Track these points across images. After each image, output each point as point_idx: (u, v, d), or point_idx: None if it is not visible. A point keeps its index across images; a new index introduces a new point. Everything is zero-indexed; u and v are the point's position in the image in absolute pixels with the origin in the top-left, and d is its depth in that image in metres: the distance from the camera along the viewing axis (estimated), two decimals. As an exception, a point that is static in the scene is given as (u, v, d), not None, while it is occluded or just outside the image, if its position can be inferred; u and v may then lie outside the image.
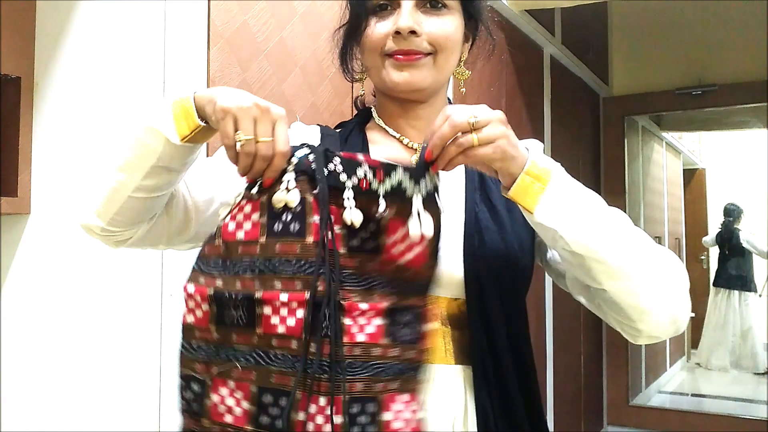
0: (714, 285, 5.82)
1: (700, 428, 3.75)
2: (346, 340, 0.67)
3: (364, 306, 0.68)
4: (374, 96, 0.94)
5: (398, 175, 0.69)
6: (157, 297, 1.13)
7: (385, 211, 0.68)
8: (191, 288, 0.70)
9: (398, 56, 0.83)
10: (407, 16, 0.81)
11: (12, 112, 1.25)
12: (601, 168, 3.93)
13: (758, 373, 5.40)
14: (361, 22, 0.85)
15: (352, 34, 0.88)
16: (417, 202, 0.69)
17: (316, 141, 0.89)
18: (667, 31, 3.91)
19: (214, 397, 0.70)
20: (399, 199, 0.69)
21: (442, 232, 0.71)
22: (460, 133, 0.67)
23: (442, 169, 0.69)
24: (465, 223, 0.82)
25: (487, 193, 0.84)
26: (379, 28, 0.83)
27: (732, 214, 5.76)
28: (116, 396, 1.16)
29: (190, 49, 1.20)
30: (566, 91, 3.44)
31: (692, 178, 6.51)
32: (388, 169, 0.69)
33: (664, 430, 3.84)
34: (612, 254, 0.71)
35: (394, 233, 0.69)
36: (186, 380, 0.73)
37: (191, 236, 0.83)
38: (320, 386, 0.66)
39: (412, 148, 0.88)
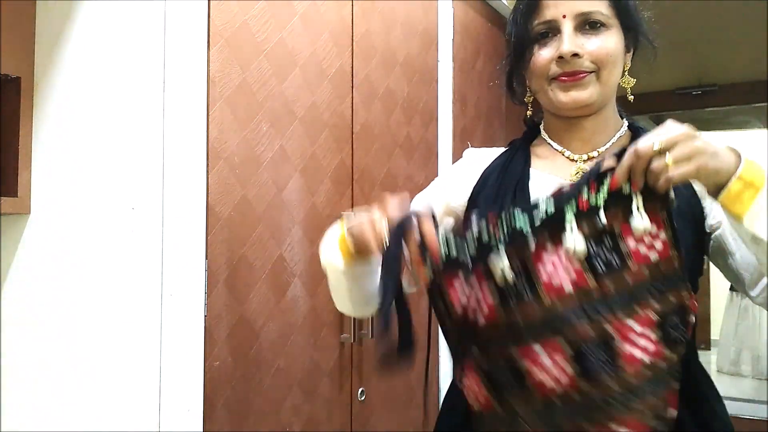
0: (732, 289, 5.71)
1: (700, 428, 3.75)
2: (628, 368, 0.70)
3: (636, 327, 0.71)
4: (541, 112, 1.00)
5: (608, 180, 0.71)
6: (157, 297, 1.13)
7: (612, 219, 0.71)
8: (465, 381, 0.77)
9: (563, 78, 0.89)
10: (568, 40, 0.87)
11: (12, 112, 1.25)
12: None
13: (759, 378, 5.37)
14: (526, 50, 0.92)
15: (518, 62, 0.94)
16: (636, 201, 0.70)
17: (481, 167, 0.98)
18: (667, 31, 3.91)
19: None
20: (621, 203, 0.71)
21: (675, 224, 0.72)
22: (654, 162, 0.68)
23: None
24: None
25: None
26: (543, 55, 0.90)
27: None
28: (116, 396, 1.16)
29: (190, 49, 1.20)
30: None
31: (692, 178, 6.49)
32: (599, 178, 0.72)
33: (664, 430, 3.83)
34: None
35: (630, 237, 0.71)
36: None
37: None
38: (619, 420, 0.70)
39: (572, 159, 0.94)
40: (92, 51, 1.23)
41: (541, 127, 1.00)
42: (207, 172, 1.22)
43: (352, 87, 1.64)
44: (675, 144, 0.68)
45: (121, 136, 1.19)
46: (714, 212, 0.87)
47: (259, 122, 1.35)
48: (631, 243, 0.71)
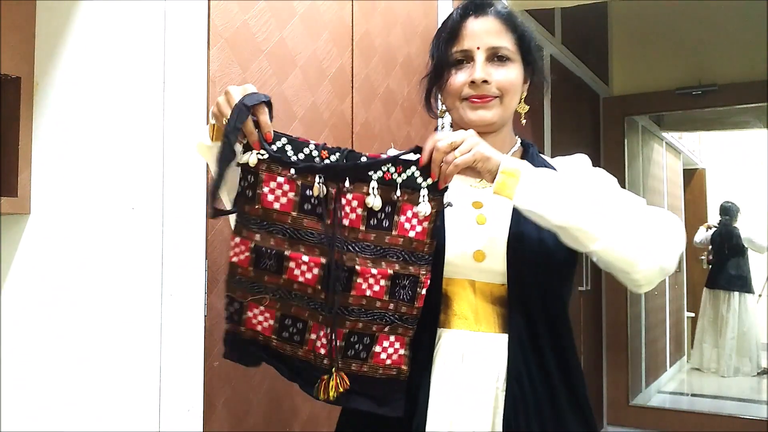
0: (710, 287, 5.65)
1: (700, 428, 3.75)
2: (354, 293, 0.95)
3: (374, 271, 0.95)
4: (451, 126, 1.16)
5: (412, 170, 0.94)
6: (157, 297, 1.13)
7: (401, 196, 0.94)
8: (237, 239, 0.95)
9: (473, 100, 1.07)
10: (480, 69, 1.05)
11: (12, 112, 1.25)
12: (601, 168, 3.93)
13: (759, 374, 5.37)
14: (444, 73, 1.09)
15: (436, 81, 1.12)
16: (424, 192, 0.94)
17: None
18: (667, 31, 3.91)
19: (249, 313, 0.97)
20: (411, 188, 0.94)
21: (446, 221, 1.02)
22: (448, 156, 0.92)
23: (442, 182, 0.94)
24: (510, 228, 1.03)
25: None
26: (458, 78, 1.08)
27: (729, 212, 5.54)
28: (116, 396, 1.16)
29: (190, 49, 1.20)
30: (566, 92, 3.44)
31: (692, 178, 6.50)
32: (406, 164, 0.94)
33: (663, 430, 3.84)
34: (587, 221, 0.92)
35: (404, 214, 0.95)
36: (230, 300, 0.97)
37: None
38: (327, 320, 0.95)
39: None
40: (92, 51, 1.23)
41: None
42: (207, 172, 1.22)
43: (352, 87, 1.64)
44: (461, 141, 0.92)
45: (121, 136, 1.19)
46: None
47: (259, 122, 1.35)
48: (403, 218, 0.95)
